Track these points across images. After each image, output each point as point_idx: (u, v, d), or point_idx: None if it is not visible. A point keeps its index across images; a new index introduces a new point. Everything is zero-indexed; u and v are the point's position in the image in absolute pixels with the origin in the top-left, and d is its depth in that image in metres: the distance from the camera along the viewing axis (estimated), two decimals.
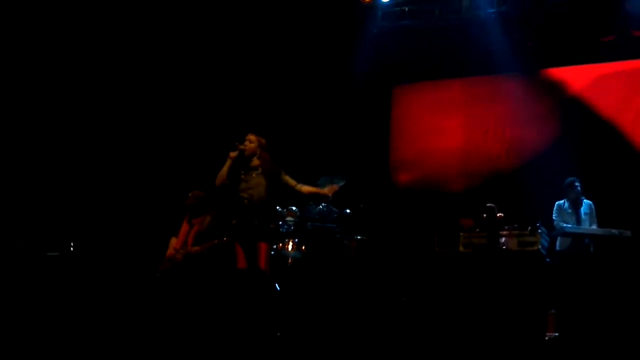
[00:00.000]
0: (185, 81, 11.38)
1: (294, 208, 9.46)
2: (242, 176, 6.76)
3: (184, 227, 8.02)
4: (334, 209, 9.71)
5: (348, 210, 9.69)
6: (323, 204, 9.67)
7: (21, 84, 10.41)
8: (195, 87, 11.46)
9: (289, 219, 9.38)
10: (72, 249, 9.49)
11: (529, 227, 8.12)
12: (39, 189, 10.49)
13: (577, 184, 8.75)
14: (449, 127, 11.67)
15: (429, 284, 8.57)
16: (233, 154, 6.66)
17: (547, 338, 6.53)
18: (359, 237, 9.51)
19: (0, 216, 9.88)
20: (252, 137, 6.86)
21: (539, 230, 8.17)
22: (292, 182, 6.91)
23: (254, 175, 6.75)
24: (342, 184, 9.15)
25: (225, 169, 6.70)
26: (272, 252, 8.48)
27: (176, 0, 10.94)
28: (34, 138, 10.56)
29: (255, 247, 6.69)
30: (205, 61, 11.39)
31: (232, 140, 6.78)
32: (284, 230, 9.23)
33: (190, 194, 8.19)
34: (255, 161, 6.80)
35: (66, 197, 10.64)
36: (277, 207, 9.09)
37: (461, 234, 8.59)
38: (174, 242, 8.02)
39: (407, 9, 11.17)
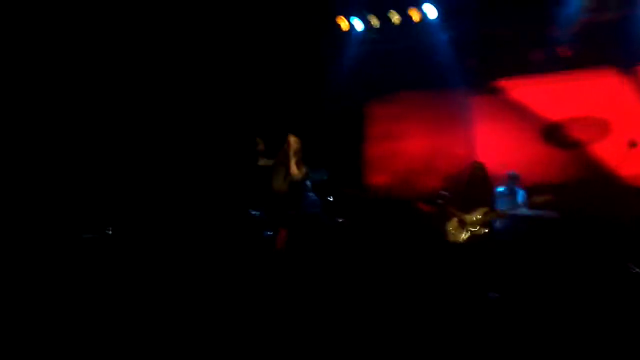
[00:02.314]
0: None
1: None
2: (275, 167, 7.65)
3: None
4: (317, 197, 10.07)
5: (330, 198, 10.23)
6: (310, 194, 9.93)
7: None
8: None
9: None
10: (109, 231, 9.46)
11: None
12: (76, 172, 10.35)
13: (516, 175, 9.86)
14: (413, 133, 12.29)
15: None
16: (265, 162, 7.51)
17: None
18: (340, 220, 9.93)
19: (36, 199, 9.76)
20: (295, 138, 7.75)
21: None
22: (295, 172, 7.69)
23: (280, 168, 7.69)
24: (325, 177, 10.27)
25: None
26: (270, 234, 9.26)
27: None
28: (66, 120, 10.45)
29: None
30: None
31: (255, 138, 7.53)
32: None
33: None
34: (287, 155, 7.67)
35: (106, 179, 10.54)
36: None
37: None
38: None
39: (376, 36, 11.81)
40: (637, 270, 7.36)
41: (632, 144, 9.33)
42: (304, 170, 7.78)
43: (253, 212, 9.75)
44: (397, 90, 12.41)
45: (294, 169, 7.66)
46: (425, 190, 11.11)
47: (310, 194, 10.08)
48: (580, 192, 10.23)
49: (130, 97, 11.10)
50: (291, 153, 7.68)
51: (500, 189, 9.82)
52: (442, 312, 6.05)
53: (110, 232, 9.48)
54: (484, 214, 8.80)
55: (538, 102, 11.50)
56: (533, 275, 7.35)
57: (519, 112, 11.61)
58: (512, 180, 9.88)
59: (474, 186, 8.92)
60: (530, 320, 5.72)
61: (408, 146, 12.35)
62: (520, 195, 9.80)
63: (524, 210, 9.49)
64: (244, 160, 11.08)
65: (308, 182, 10.01)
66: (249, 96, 11.82)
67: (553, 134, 11.35)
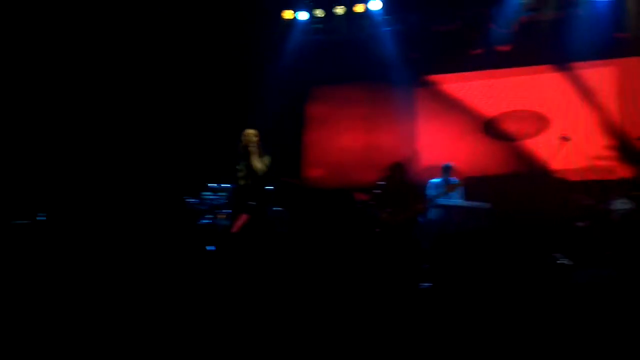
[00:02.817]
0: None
1: (226, 185, 9.78)
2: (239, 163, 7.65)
3: None
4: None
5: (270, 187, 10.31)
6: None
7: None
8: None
9: (221, 193, 9.83)
10: (43, 218, 9.22)
11: None
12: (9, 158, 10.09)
13: (449, 167, 9.93)
14: (352, 125, 12.33)
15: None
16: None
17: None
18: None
19: None
20: (247, 130, 7.73)
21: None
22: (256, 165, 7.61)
23: (244, 162, 7.64)
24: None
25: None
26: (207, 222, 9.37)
27: None
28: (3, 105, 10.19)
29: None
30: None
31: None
32: (218, 203, 9.71)
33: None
34: (247, 150, 7.62)
35: (39, 165, 10.30)
36: (212, 184, 9.80)
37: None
38: None
39: (321, 26, 11.90)
40: (563, 260, 7.53)
41: (564, 139, 9.47)
42: (266, 161, 7.72)
43: (189, 200, 9.70)
44: (339, 82, 12.53)
45: (256, 164, 7.63)
46: (362, 182, 11.07)
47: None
48: (514, 185, 10.42)
49: (62, 85, 10.96)
50: (251, 148, 7.64)
51: (436, 180, 9.96)
52: (375, 301, 6.09)
53: (43, 219, 9.29)
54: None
55: (477, 97, 11.74)
56: (465, 265, 7.45)
57: (459, 107, 11.82)
58: (446, 172, 10.00)
59: (394, 185, 9.05)
60: (461, 309, 5.77)
61: (346, 138, 12.41)
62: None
63: (458, 201, 9.66)
64: (179, 149, 11.20)
65: None
66: (188, 85, 11.83)
67: (491, 128, 11.52)
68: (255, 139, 7.71)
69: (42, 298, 6.04)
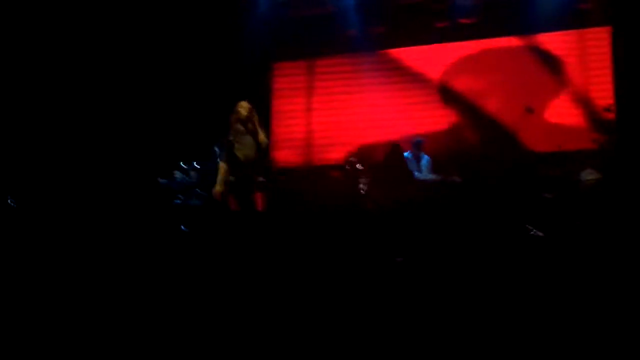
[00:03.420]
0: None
1: (196, 164, 9.97)
2: (235, 138, 7.34)
3: None
4: None
5: None
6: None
7: None
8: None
9: (192, 173, 9.92)
10: (11, 202, 9.13)
11: None
12: None
13: (420, 142, 10.02)
14: (320, 103, 12.19)
15: None
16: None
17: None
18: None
19: None
20: (245, 104, 7.47)
21: None
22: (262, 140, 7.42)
23: (247, 136, 7.34)
24: None
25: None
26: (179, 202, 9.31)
27: None
28: None
29: (252, 198, 7.35)
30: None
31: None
32: (189, 183, 9.76)
33: None
34: (248, 125, 7.36)
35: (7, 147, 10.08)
36: (182, 163, 9.88)
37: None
38: None
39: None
40: (536, 232, 7.53)
41: (529, 110, 9.53)
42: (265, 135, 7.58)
43: (161, 181, 9.60)
44: (303, 57, 12.42)
45: (262, 136, 7.46)
46: (332, 161, 11.23)
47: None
48: (481, 157, 10.38)
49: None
50: (256, 121, 7.44)
51: (405, 154, 9.96)
52: (350, 276, 5.93)
53: (12, 204, 9.17)
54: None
55: (442, 70, 11.68)
56: (437, 240, 7.28)
57: (423, 80, 11.79)
58: (417, 146, 10.06)
59: (391, 168, 9.07)
60: (434, 284, 5.65)
61: (312, 117, 12.29)
62: (425, 160, 10.04)
63: (428, 175, 9.77)
64: (149, 127, 11.00)
65: (217, 149, 9.93)
66: (155, 63, 11.56)
67: (456, 100, 11.51)
68: (253, 112, 7.52)
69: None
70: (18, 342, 4.61)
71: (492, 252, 6.67)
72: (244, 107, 7.45)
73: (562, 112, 10.85)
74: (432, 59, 11.72)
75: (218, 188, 7.37)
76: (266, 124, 11.49)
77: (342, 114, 12.02)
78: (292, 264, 6.36)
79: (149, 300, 5.28)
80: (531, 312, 4.69)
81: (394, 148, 9.37)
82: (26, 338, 4.66)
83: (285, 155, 12.21)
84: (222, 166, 7.43)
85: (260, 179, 7.49)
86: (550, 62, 11.02)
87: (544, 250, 6.95)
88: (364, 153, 11.18)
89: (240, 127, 7.42)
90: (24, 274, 6.05)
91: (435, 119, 11.45)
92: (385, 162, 9.32)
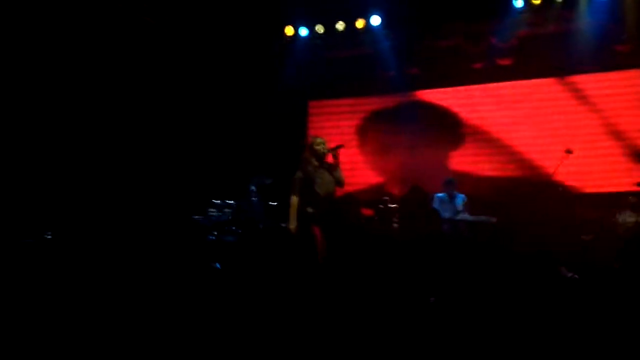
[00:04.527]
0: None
1: (231, 201, 10.04)
2: (313, 173, 7.17)
3: None
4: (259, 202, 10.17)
5: (275, 203, 10.20)
6: (254, 198, 10.16)
7: None
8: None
9: (227, 210, 9.95)
10: (49, 236, 9.02)
11: None
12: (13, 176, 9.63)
13: (452, 181, 9.93)
14: (353, 140, 12.10)
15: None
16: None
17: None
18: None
19: None
20: (321, 139, 7.32)
21: None
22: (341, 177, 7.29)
23: (324, 172, 7.20)
24: (268, 182, 10.24)
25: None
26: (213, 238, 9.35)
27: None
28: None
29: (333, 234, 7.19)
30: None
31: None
32: (223, 219, 9.76)
33: None
34: (328, 160, 7.22)
35: (44, 182, 9.90)
36: (217, 201, 9.85)
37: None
38: None
39: (320, 42, 11.78)
40: (570, 274, 7.36)
41: (568, 152, 9.37)
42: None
43: (196, 218, 9.65)
44: (340, 97, 12.52)
45: (341, 175, 7.33)
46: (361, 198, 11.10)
47: (254, 198, 10.19)
48: (519, 199, 10.25)
49: (66, 96, 10.57)
50: (334, 158, 7.29)
51: (440, 195, 9.94)
52: (385, 315, 5.86)
53: (49, 237, 9.07)
54: None
55: (480, 112, 11.63)
56: (472, 279, 7.18)
57: (459, 121, 11.74)
58: (450, 186, 9.95)
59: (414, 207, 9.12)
60: (469, 324, 5.56)
61: (347, 154, 12.06)
62: (460, 199, 9.90)
63: (463, 215, 9.62)
64: (184, 165, 11.10)
65: (252, 187, 10.01)
66: (190, 103, 11.73)
67: (493, 141, 11.43)
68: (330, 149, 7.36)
69: (51, 316, 5.82)
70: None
71: (527, 294, 6.51)
72: (322, 143, 7.31)
73: (601, 153, 10.63)
74: (468, 100, 11.72)
75: (293, 224, 7.21)
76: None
77: (377, 153, 12.00)
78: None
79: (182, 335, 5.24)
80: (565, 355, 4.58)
81: (413, 189, 9.41)
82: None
83: None
84: (295, 201, 7.24)
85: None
86: (590, 103, 10.86)
87: (579, 293, 6.78)
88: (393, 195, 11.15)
89: (316, 163, 7.26)
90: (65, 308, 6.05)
91: (473, 159, 11.40)
92: (406, 202, 9.37)
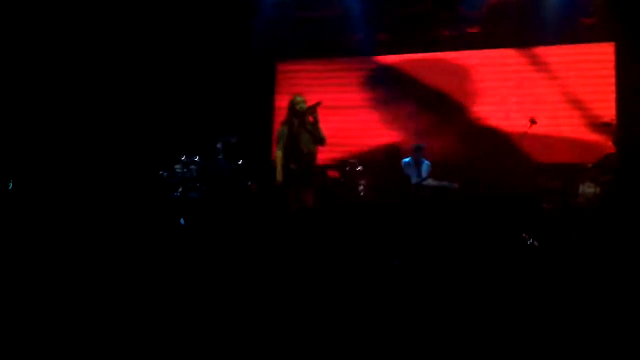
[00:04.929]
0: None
1: (197, 159, 10.01)
2: (296, 130, 7.19)
3: None
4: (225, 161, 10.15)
5: (240, 162, 10.24)
6: (220, 156, 10.13)
7: None
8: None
9: (192, 167, 9.90)
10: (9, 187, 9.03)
11: None
12: None
13: (421, 147, 10.06)
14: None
15: None
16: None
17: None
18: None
19: None
20: (300, 98, 7.28)
21: None
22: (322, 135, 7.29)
23: (306, 130, 7.22)
24: (235, 141, 10.19)
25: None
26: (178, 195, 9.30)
27: None
28: None
29: (306, 192, 7.23)
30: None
31: None
32: (188, 176, 9.76)
33: None
34: (309, 119, 7.22)
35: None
36: (183, 157, 9.83)
37: None
38: None
39: (290, 1, 11.60)
40: (532, 241, 7.49)
41: (532, 122, 9.45)
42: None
43: (161, 172, 9.56)
44: (307, 57, 12.43)
45: (322, 133, 7.33)
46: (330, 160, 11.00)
47: (220, 157, 10.16)
48: (482, 165, 10.40)
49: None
50: (314, 116, 7.26)
51: (406, 160, 10.04)
52: (346, 277, 5.85)
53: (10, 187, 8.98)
54: None
55: (445, 79, 11.62)
56: (434, 244, 7.31)
57: (424, 87, 11.73)
58: (418, 151, 10.02)
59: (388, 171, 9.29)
60: (429, 288, 5.59)
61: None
62: (425, 165, 10.02)
63: (427, 180, 9.68)
64: (155, 121, 10.98)
65: (218, 145, 9.94)
66: (158, 60, 11.58)
67: (458, 109, 11.46)
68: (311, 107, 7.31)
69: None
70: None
71: (487, 259, 6.64)
72: (301, 102, 7.29)
73: (564, 124, 10.77)
74: (435, 67, 11.69)
75: (279, 177, 7.22)
76: (270, 121, 11.96)
77: (343, 115, 11.86)
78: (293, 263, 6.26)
79: (146, 295, 5.10)
80: (523, 319, 4.61)
81: (393, 152, 9.43)
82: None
83: None
84: (279, 155, 7.24)
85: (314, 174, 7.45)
86: (554, 75, 10.96)
87: (539, 260, 6.90)
88: (363, 155, 11.11)
89: (296, 121, 7.27)
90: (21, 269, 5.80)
91: (437, 126, 11.40)
92: (383, 165, 9.40)
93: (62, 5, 10.49)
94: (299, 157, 7.22)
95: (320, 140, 7.32)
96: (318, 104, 7.27)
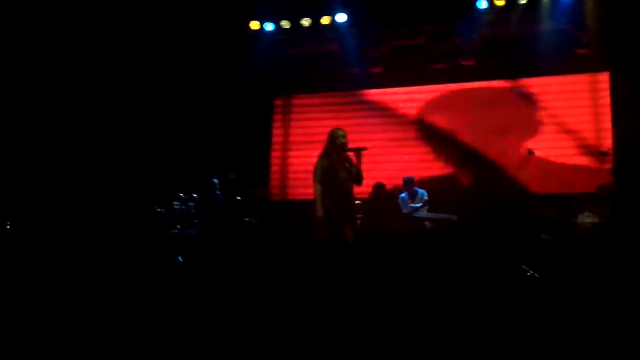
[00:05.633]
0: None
1: (195, 195, 9.89)
2: (335, 165, 6.76)
3: None
4: (222, 196, 10.12)
5: (238, 198, 10.01)
6: (217, 192, 10.12)
7: None
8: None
9: (190, 203, 9.78)
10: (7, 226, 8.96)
11: None
12: None
13: (411, 179, 9.94)
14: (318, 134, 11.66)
15: None
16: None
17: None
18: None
19: None
20: (342, 131, 6.83)
21: None
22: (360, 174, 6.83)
23: (343, 167, 6.79)
24: (233, 177, 10.18)
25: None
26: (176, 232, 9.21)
27: None
28: None
29: (344, 228, 6.73)
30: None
31: None
32: (186, 213, 9.62)
33: None
34: (350, 159, 6.78)
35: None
36: (180, 194, 9.72)
37: None
38: None
39: (286, 37, 11.65)
40: (531, 272, 7.46)
41: (530, 152, 9.43)
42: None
43: (158, 210, 9.53)
44: (304, 93, 12.49)
45: (361, 171, 6.89)
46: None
47: (218, 192, 10.15)
48: (479, 198, 10.40)
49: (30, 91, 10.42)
50: (360, 159, 6.85)
51: (402, 195, 9.99)
52: (347, 311, 5.80)
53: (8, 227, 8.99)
54: None
55: (443, 112, 11.62)
56: (432, 276, 7.35)
57: (421, 120, 11.76)
58: (408, 184, 9.97)
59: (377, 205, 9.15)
60: (429, 320, 5.57)
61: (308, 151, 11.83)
62: (419, 195, 9.92)
63: (424, 213, 9.62)
64: (152, 158, 10.99)
65: (215, 181, 9.93)
66: (153, 97, 11.62)
67: (455, 141, 11.43)
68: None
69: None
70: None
71: (487, 291, 6.60)
72: (342, 136, 6.86)
73: (561, 155, 10.75)
74: (430, 99, 11.72)
75: (320, 213, 6.70)
76: (267, 156, 12.10)
77: None
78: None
79: (144, 333, 5.08)
80: (524, 351, 4.58)
81: (376, 187, 9.47)
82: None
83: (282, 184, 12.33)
84: (319, 189, 6.78)
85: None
86: (550, 105, 10.97)
87: (540, 291, 6.86)
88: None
89: (335, 155, 6.84)
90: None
91: (435, 160, 11.44)
92: (370, 200, 9.37)
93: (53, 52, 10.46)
94: (335, 192, 6.80)
95: (359, 179, 6.90)
96: (364, 148, 6.88)
